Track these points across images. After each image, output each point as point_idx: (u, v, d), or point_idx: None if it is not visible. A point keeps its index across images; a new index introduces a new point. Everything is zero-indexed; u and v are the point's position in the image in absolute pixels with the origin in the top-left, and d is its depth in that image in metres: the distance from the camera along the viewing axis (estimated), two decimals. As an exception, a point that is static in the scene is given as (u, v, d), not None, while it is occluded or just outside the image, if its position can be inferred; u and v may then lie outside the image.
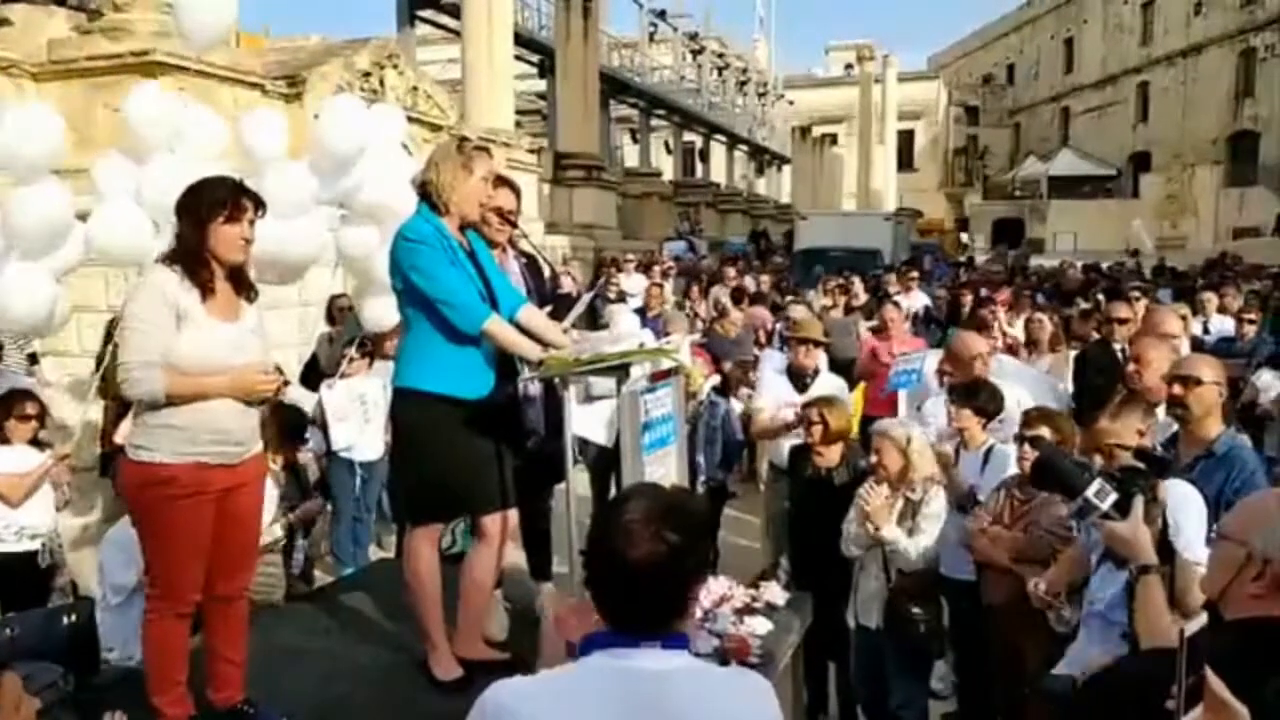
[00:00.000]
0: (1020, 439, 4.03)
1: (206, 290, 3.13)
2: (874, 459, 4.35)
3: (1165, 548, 2.24)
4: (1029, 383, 5.54)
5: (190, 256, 3.13)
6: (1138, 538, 2.19)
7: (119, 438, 5.42)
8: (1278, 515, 1.76)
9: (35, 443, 4.93)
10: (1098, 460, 3.59)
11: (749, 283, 14.49)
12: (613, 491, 6.20)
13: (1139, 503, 2.22)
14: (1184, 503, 2.78)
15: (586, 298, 4.52)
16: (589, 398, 4.95)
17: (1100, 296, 11.25)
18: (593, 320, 7.02)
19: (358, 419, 6.35)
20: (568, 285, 7.53)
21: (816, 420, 4.80)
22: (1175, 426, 3.66)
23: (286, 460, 5.03)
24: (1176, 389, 3.52)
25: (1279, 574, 1.67)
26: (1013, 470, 4.17)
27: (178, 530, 3.15)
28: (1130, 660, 1.99)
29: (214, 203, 3.15)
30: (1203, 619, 1.52)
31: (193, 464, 3.11)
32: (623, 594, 1.71)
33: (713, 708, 1.71)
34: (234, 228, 3.15)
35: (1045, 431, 3.88)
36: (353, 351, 6.52)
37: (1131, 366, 4.34)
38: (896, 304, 8.49)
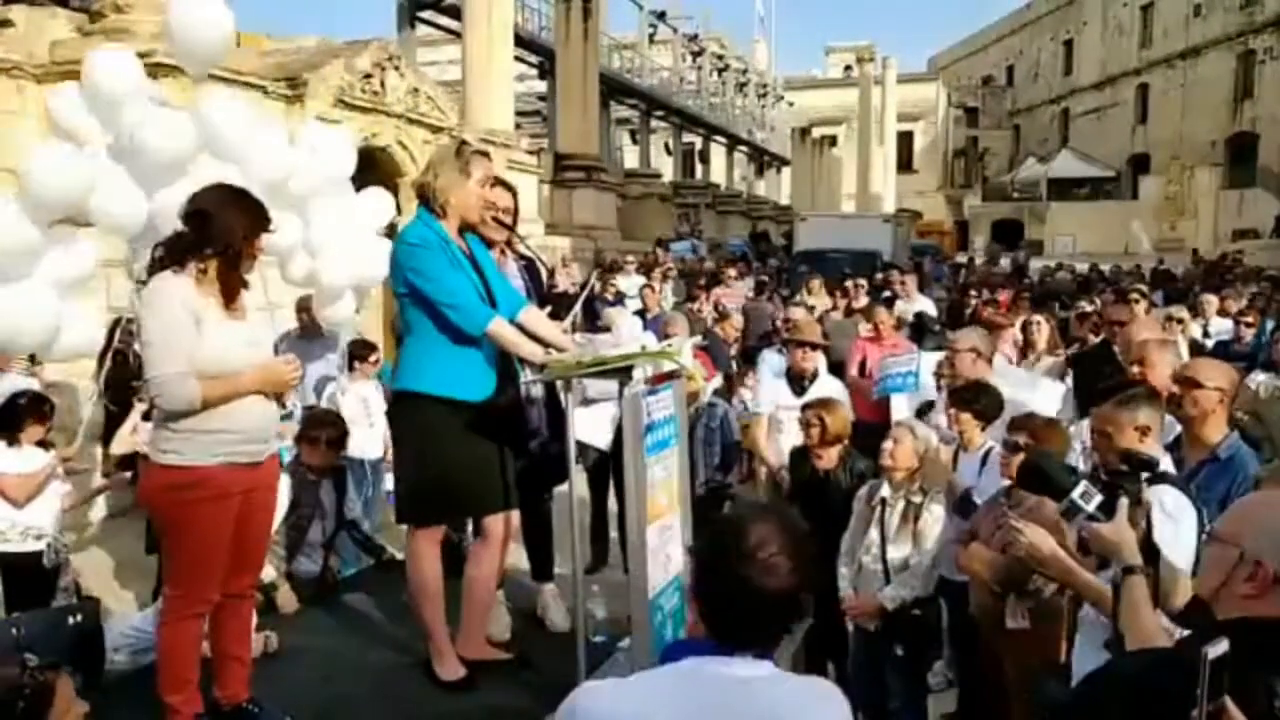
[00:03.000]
0: (1004, 445, 4.05)
1: (234, 293, 3.21)
2: (889, 445, 4.34)
3: (1150, 549, 2.26)
4: (1017, 386, 5.54)
5: (229, 264, 3.18)
6: (1122, 539, 2.22)
7: (136, 446, 5.43)
8: (1269, 516, 1.78)
9: (40, 443, 4.95)
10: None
11: (748, 284, 14.52)
12: (611, 493, 6.22)
13: (1124, 504, 2.25)
14: (1178, 512, 2.81)
15: (582, 295, 4.54)
16: (586, 400, 4.99)
17: (1100, 299, 11.29)
18: (591, 322, 7.03)
19: (364, 422, 6.38)
20: (563, 283, 7.56)
21: (814, 423, 4.82)
22: (1179, 429, 3.68)
23: (308, 464, 5.03)
24: (1176, 389, 3.55)
25: (1270, 574, 1.69)
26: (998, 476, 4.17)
27: (204, 532, 3.18)
28: (1123, 662, 2.01)
29: (261, 215, 3.25)
30: (1224, 644, 1.52)
31: (220, 465, 3.15)
32: (750, 620, 1.76)
33: (797, 713, 1.76)
34: (262, 237, 3.26)
35: (1022, 439, 3.90)
36: (375, 353, 6.59)
37: (1136, 369, 4.34)
38: (889, 306, 8.46)
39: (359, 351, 6.77)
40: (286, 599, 4.59)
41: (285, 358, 3.37)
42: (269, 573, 4.56)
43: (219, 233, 3.13)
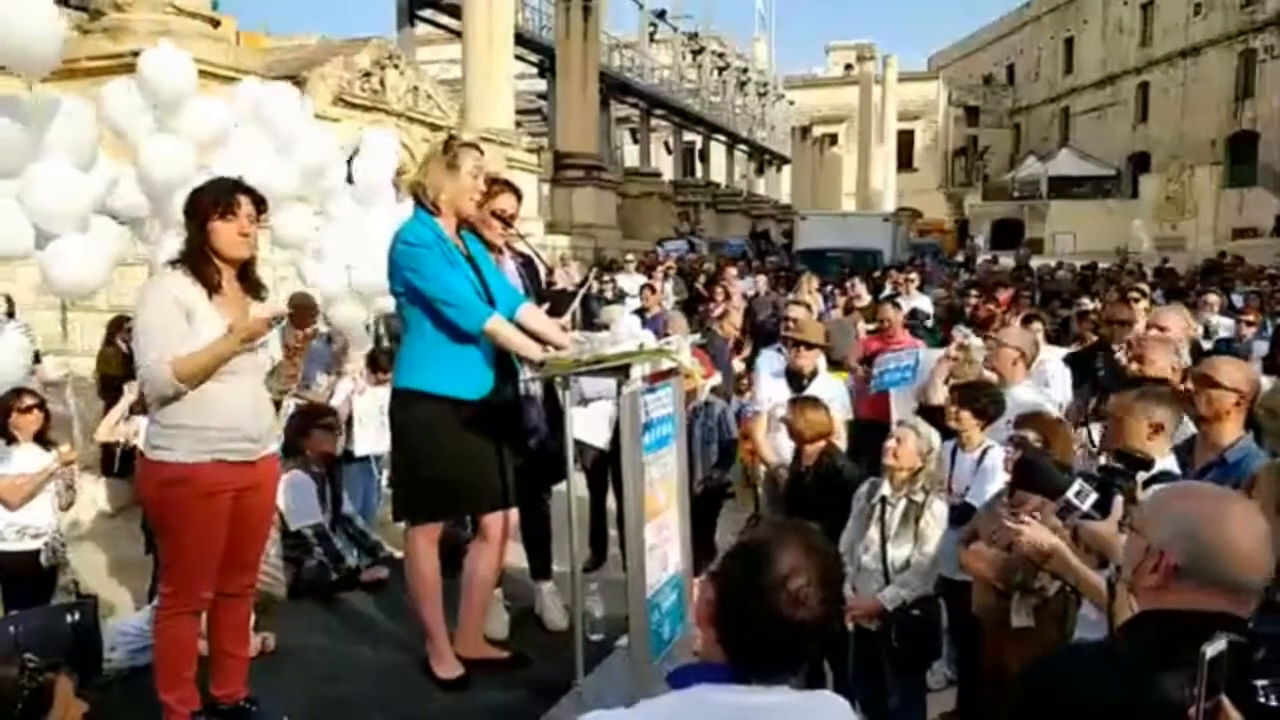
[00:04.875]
0: (1010, 442, 4.04)
1: (213, 288, 3.17)
2: (891, 444, 4.33)
3: None
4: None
5: (195, 256, 3.19)
6: (1117, 537, 2.21)
7: (119, 436, 5.44)
8: (1176, 507, 1.76)
9: (43, 442, 4.92)
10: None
11: (747, 283, 14.50)
12: (610, 491, 6.21)
13: (1118, 503, 2.24)
14: None
15: (580, 292, 4.53)
16: (583, 400, 4.98)
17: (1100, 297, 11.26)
18: (587, 320, 7.02)
19: (377, 421, 6.37)
20: (562, 280, 7.54)
21: (787, 421, 4.89)
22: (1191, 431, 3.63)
23: (319, 454, 5.05)
24: (1190, 386, 3.50)
25: (1171, 566, 1.67)
26: (1002, 475, 4.16)
27: (194, 529, 3.19)
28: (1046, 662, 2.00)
29: (209, 201, 3.20)
30: (1222, 642, 1.51)
31: (209, 462, 3.15)
32: (777, 652, 1.67)
33: None
34: (230, 224, 3.19)
35: (1031, 435, 3.89)
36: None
37: (1135, 366, 4.32)
38: (897, 305, 8.44)
39: (384, 363, 6.73)
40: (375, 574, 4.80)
41: (266, 307, 3.33)
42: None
43: (185, 242, 3.21)
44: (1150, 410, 3.14)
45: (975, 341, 5.93)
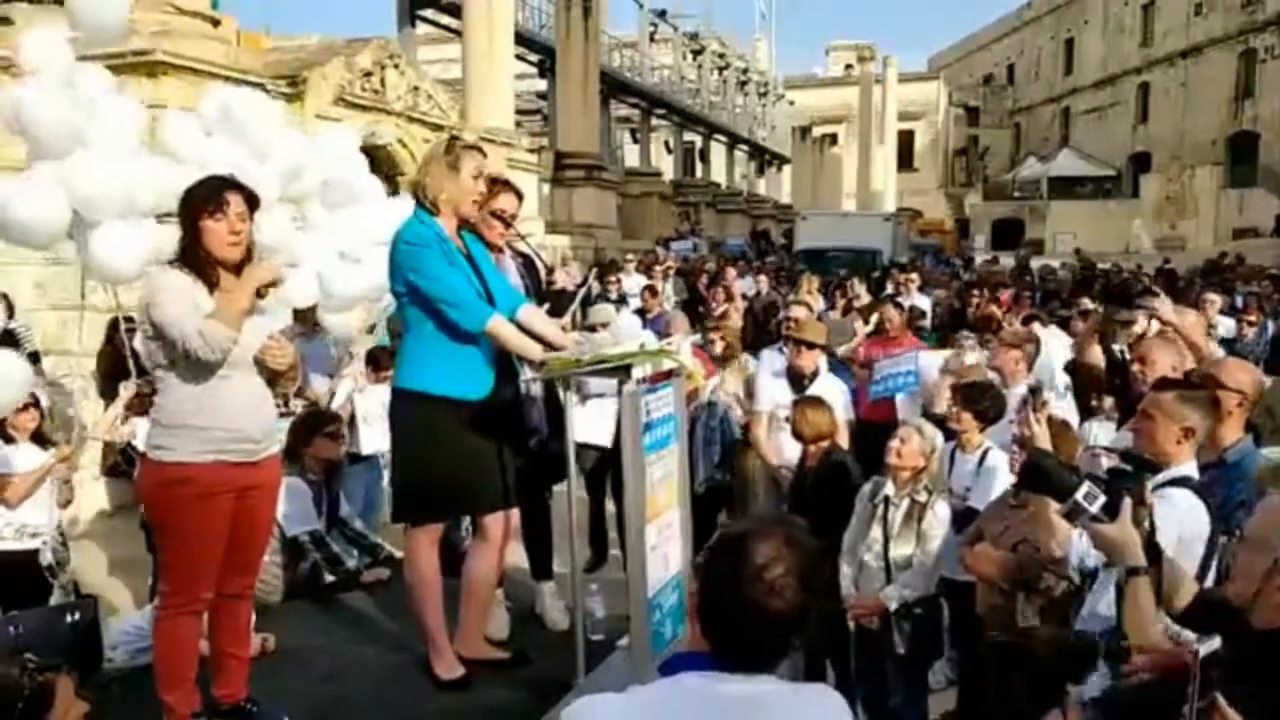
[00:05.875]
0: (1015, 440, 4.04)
1: (211, 286, 3.17)
2: (895, 444, 4.33)
3: (1152, 549, 2.23)
4: None
5: (190, 256, 3.19)
6: (1127, 540, 2.19)
7: (117, 435, 5.42)
8: None
9: (40, 441, 4.91)
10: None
11: (748, 283, 14.50)
12: (609, 492, 6.21)
13: (1127, 505, 2.22)
14: (1190, 516, 2.78)
15: (581, 292, 4.52)
16: (584, 396, 4.97)
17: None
18: (582, 319, 7.00)
19: (380, 422, 6.36)
20: (563, 280, 7.54)
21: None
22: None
23: (319, 460, 5.06)
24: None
25: None
26: (1006, 476, 4.16)
27: (195, 529, 3.18)
28: (1143, 684, 1.96)
29: (199, 200, 3.19)
30: (1216, 641, 1.49)
31: (210, 462, 3.15)
32: (757, 642, 1.70)
33: None
34: (220, 223, 3.17)
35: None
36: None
37: (1136, 366, 4.31)
38: (899, 305, 8.42)
39: (385, 360, 6.72)
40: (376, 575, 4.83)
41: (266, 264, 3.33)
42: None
43: (180, 240, 3.22)
44: (1185, 414, 3.07)
45: (974, 358, 5.92)
